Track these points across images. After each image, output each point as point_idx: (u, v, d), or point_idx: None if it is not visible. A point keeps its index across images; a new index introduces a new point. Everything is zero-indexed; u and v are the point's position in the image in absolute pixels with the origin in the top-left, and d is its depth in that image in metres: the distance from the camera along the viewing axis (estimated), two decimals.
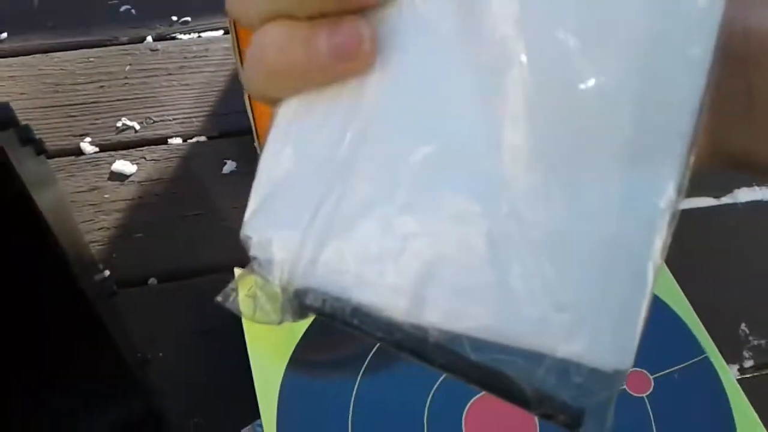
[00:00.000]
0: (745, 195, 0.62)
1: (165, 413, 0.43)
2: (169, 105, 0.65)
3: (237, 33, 0.47)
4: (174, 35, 0.72)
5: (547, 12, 0.18)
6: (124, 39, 0.71)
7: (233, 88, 0.67)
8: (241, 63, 0.49)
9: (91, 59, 0.69)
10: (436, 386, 0.46)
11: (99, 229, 0.57)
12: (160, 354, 0.50)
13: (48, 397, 0.36)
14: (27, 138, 0.32)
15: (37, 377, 0.34)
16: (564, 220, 0.18)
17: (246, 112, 0.55)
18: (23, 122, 0.32)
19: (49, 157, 0.60)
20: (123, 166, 0.60)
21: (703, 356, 0.48)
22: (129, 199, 0.59)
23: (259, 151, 0.56)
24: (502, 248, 0.18)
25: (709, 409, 0.46)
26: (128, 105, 0.65)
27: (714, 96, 0.18)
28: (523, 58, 0.18)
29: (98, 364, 0.35)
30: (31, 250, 0.27)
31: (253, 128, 0.55)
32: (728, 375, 0.47)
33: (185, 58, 0.69)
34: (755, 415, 0.45)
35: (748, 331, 0.54)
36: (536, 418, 0.28)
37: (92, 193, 0.59)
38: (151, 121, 0.64)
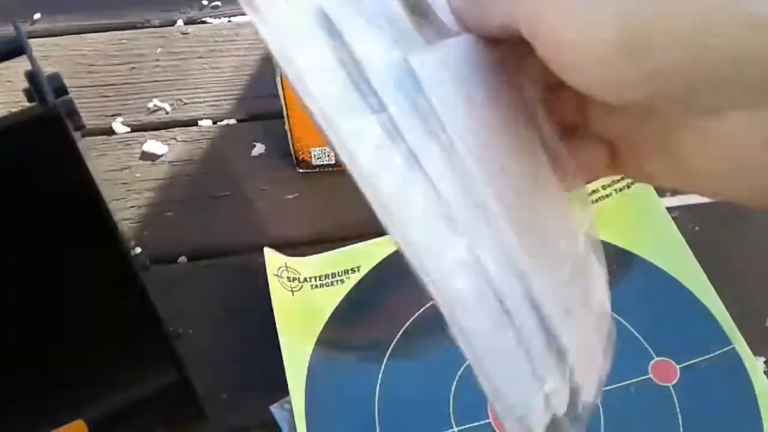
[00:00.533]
0: None
1: (194, 388, 0.44)
2: (199, 87, 0.66)
3: None
4: (204, 19, 0.72)
5: None
6: (156, 22, 0.72)
7: (263, 72, 0.67)
8: None
9: (123, 41, 0.70)
10: (462, 368, 0.47)
11: (130, 207, 0.57)
12: (190, 331, 0.51)
13: (91, 363, 0.37)
14: (71, 110, 0.33)
15: (83, 342, 0.35)
16: None
17: (277, 95, 0.55)
18: None
19: (82, 136, 0.60)
20: (154, 146, 0.61)
21: (730, 347, 0.48)
22: (160, 179, 0.59)
23: (289, 135, 0.57)
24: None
25: (735, 400, 0.46)
26: (159, 87, 0.66)
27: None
28: None
29: (141, 333, 0.36)
30: (84, 217, 0.28)
31: (284, 112, 0.55)
32: (755, 366, 0.47)
33: (215, 41, 0.70)
34: None
35: None
36: None
37: (123, 172, 0.60)
38: (182, 103, 0.65)
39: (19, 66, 0.30)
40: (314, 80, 0.20)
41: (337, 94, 0.20)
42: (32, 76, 0.26)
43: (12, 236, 0.29)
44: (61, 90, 0.26)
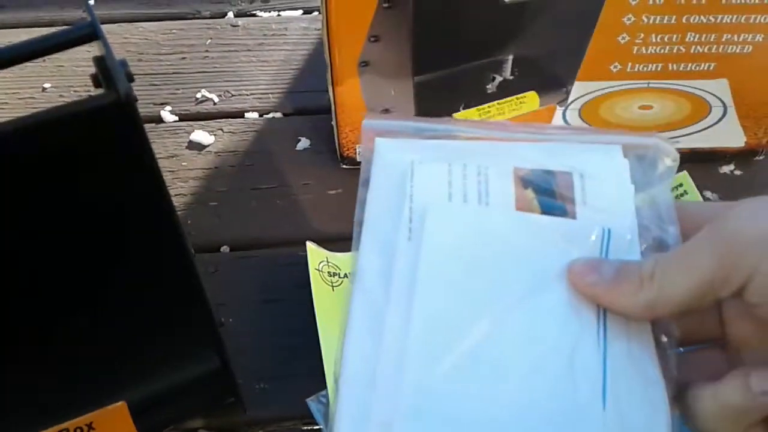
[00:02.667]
0: None
1: (234, 376, 0.45)
2: (247, 80, 0.67)
3: (328, 8, 0.48)
4: (254, 12, 0.73)
5: None
6: (206, 13, 0.73)
7: (310, 67, 0.68)
8: (328, 37, 0.50)
9: (174, 31, 0.71)
10: None
11: (176, 195, 0.58)
12: (230, 320, 0.51)
13: (136, 346, 0.37)
14: (135, 97, 0.33)
15: (130, 325, 0.36)
16: None
17: (325, 90, 0.56)
18: None
19: None
20: (201, 136, 0.62)
21: None
22: (205, 169, 0.60)
23: (335, 130, 0.57)
24: None
25: None
26: (208, 77, 0.67)
27: None
28: None
29: (187, 319, 0.36)
30: (145, 202, 0.29)
31: (332, 108, 0.55)
32: None
33: (264, 35, 0.71)
34: None
35: None
36: None
37: (170, 161, 0.61)
38: (229, 95, 0.66)
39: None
40: None
41: None
42: (103, 62, 0.26)
43: (73, 217, 0.30)
44: (129, 77, 0.27)
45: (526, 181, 0.30)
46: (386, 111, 0.54)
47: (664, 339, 0.27)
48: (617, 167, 0.31)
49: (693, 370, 0.27)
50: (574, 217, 0.29)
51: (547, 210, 0.29)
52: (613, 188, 0.30)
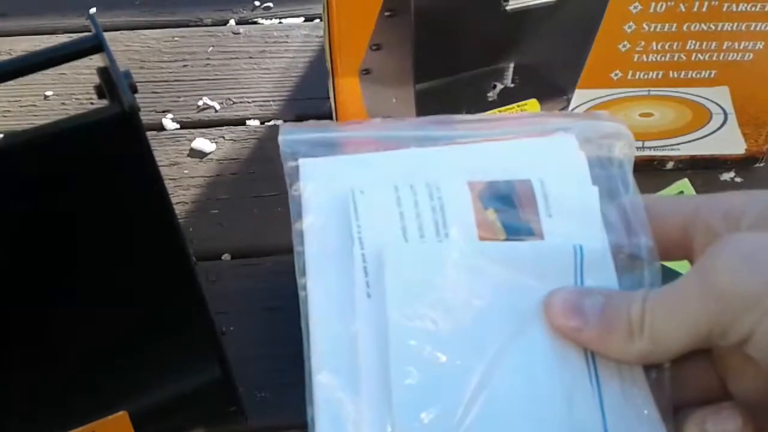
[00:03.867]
0: None
1: (235, 385, 0.45)
2: (248, 87, 0.67)
3: (330, 16, 0.48)
4: (256, 20, 0.73)
5: None
6: (208, 21, 0.73)
7: (311, 74, 0.68)
8: (330, 45, 0.50)
9: (176, 38, 0.71)
10: None
11: (177, 203, 0.58)
12: (231, 328, 0.51)
13: (137, 356, 0.37)
14: (138, 108, 0.33)
15: (131, 334, 0.36)
16: None
17: (327, 97, 0.56)
18: None
19: None
20: (202, 143, 0.62)
21: None
22: (207, 176, 0.60)
23: None
24: None
25: None
26: (209, 85, 0.67)
27: None
28: None
29: (188, 328, 0.36)
30: (147, 211, 0.29)
31: (334, 115, 0.55)
32: None
33: (266, 42, 0.71)
34: None
35: None
36: None
37: (172, 168, 0.61)
38: (231, 102, 0.66)
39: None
40: None
41: None
42: (107, 73, 0.27)
43: (75, 227, 0.30)
44: (133, 88, 0.27)
45: (484, 199, 0.27)
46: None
47: (654, 374, 0.26)
48: (576, 165, 0.28)
49: (684, 390, 0.27)
50: (541, 236, 0.27)
51: (512, 233, 0.27)
52: (576, 191, 0.28)
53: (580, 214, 0.28)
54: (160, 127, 0.63)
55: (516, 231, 0.27)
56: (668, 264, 0.52)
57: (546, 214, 0.27)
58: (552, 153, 0.29)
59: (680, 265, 0.51)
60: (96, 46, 0.24)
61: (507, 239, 0.27)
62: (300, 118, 0.65)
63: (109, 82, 0.26)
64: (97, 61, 0.30)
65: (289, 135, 0.28)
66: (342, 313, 0.26)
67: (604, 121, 0.30)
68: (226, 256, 0.55)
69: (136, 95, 0.26)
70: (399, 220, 0.27)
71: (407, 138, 0.29)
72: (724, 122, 0.57)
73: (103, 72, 0.27)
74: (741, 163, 0.60)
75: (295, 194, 0.28)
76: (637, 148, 0.58)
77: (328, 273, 0.27)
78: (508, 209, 0.27)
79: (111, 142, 0.26)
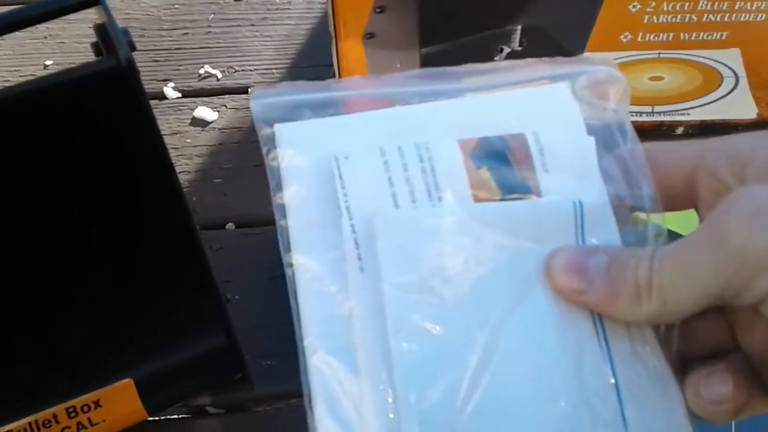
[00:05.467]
0: None
1: (240, 353, 0.44)
2: (250, 55, 0.66)
3: None
4: None
5: None
6: None
7: (314, 42, 0.67)
8: (333, 8, 0.49)
9: (176, 6, 0.70)
10: None
11: (180, 172, 0.58)
12: (236, 296, 0.51)
13: (142, 323, 0.37)
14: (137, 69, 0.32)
15: (136, 302, 0.35)
16: None
17: (330, 64, 0.55)
18: None
19: None
20: (204, 112, 0.61)
21: None
22: (209, 145, 0.59)
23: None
24: None
25: None
26: (211, 53, 0.66)
27: None
28: None
29: (194, 296, 0.36)
30: (149, 175, 0.28)
31: None
32: None
33: (268, 9, 0.70)
34: None
35: None
36: None
37: (174, 137, 0.60)
38: (233, 71, 0.65)
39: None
40: None
41: None
42: (103, 29, 0.26)
43: (75, 190, 0.29)
44: (131, 45, 0.26)
45: (476, 157, 0.26)
46: None
47: (663, 331, 0.25)
48: (570, 115, 0.27)
49: (692, 343, 0.26)
50: (538, 192, 0.26)
51: (508, 191, 0.26)
52: (571, 143, 0.26)
53: (577, 167, 0.26)
54: (162, 96, 0.63)
55: (512, 189, 0.26)
56: (671, 228, 0.52)
57: (542, 170, 0.26)
58: (544, 104, 0.28)
59: (682, 228, 0.50)
60: None
61: (503, 199, 0.25)
62: None
63: (107, 40, 0.25)
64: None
65: (263, 99, 0.26)
66: (334, 290, 0.25)
67: (594, 65, 0.28)
68: (229, 225, 0.55)
69: (137, 62, 0.25)
70: (388, 186, 0.25)
71: (392, 95, 0.27)
72: (735, 86, 0.55)
73: (101, 29, 0.26)
74: (752, 128, 0.59)
75: (273, 164, 0.26)
76: (647, 113, 0.57)
77: (315, 247, 0.25)
78: (503, 167, 0.26)
79: (107, 99, 0.25)
